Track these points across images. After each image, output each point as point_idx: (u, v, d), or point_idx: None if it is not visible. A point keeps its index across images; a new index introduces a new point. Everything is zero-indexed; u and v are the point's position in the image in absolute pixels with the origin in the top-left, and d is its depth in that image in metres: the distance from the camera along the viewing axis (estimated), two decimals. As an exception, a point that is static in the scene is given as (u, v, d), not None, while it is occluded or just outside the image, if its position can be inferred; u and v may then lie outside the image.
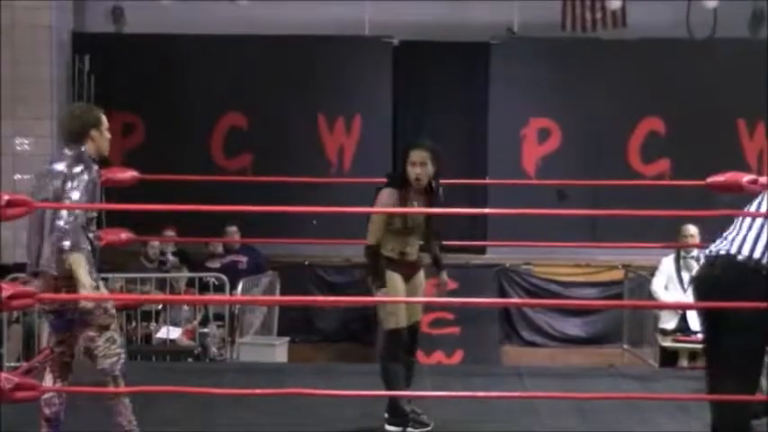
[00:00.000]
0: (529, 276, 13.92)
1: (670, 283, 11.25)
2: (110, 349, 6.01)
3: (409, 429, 6.91)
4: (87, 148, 6.09)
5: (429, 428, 6.93)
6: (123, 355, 6.09)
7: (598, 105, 13.98)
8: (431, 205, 6.91)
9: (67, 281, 5.86)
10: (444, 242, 7.28)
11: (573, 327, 13.92)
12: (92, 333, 5.99)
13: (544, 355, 13.61)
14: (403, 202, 6.85)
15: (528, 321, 13.94)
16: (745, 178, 7.65)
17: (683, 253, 11.22)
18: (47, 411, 6.04)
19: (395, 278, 6.91)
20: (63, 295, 5.89)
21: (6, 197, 5.49)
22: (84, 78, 13.89)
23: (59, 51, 13.86)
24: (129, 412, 6.05)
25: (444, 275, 7.26)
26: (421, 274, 7.10)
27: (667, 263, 11.34)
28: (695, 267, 10.89)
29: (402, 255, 6.93)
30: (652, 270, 11.61)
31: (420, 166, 6.81)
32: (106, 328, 6.02)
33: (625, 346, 12.85)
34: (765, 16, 14.48)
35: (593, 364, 12.57)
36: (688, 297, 10.93)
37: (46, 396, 6.02)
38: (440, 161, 6.90)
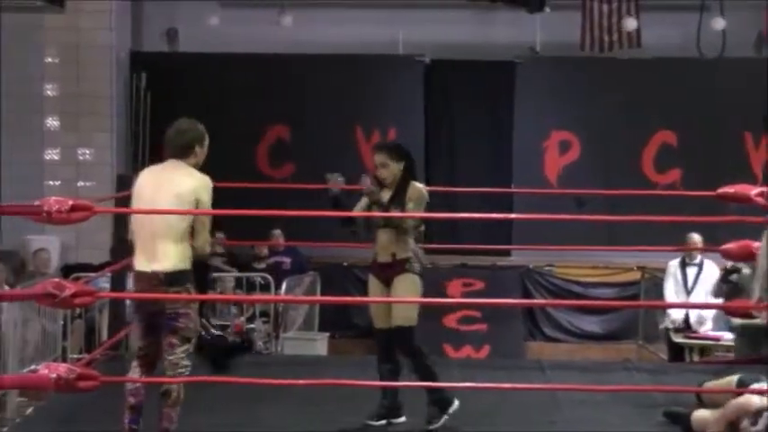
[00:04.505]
0: (551, 277, 13.90)
1: (675, 284, 11.19)
2: (183, 360, 5.78)
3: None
4: (188, 161, 5.94)
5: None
6: (189, 371, 5.82)
7: (614, 119, 14.04)
8: (392, 201, 6.53)
9: (168, 284, 5.72)
10: (472, 245, 7.04)
11: (591, 324, 13.88)
12: (174, 340, 5.76)
13: (564, 350, 13.57)
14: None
15: (550, 319, 13.91)
16: (754, 191, 7.41)
17: (687, 259, 11.16)
18: (132, 400, 5.81)
19: (369, 279, 6.76)
20: (115, 293, 5.83)
21: (71, 202, 5.50)
22: (141, 94, 14.02)
23: (118, 69, 14.02)
24: (177, 421, 5.81)
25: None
26: (398, 280, 6.60)
27: (673, 266, 11.29)
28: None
29: (375, 255, 6.65)
30: (666, 271, 11.54)
31: (380, 167, 6.57)
32: (188, 340, 5.81)
33: (640, 342, 12.80)
34: (770, 37, 14.47)
35: (610, 358, 12.52)
36: (691, 298, 10.90)
37: (131, 387, 5.82)
38: (403, 156, 6.57)
